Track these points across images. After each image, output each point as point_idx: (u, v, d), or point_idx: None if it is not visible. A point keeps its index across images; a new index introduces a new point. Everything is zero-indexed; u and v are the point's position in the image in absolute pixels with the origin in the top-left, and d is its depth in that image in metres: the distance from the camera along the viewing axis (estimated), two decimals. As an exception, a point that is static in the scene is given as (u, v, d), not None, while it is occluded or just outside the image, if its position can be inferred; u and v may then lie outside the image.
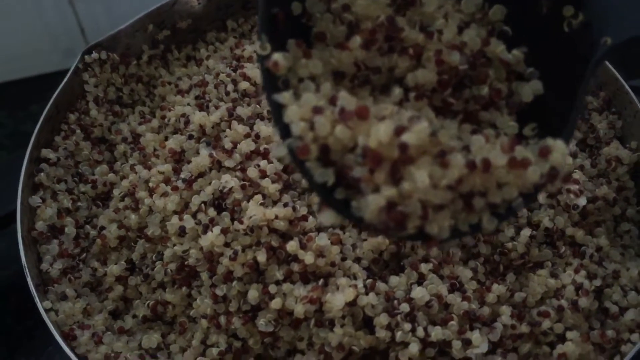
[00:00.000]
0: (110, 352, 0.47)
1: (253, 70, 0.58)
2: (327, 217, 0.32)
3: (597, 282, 0.48)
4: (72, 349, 0.47)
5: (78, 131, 0.59)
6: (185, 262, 0.49)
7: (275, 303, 0.45)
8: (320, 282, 0.45)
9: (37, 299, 0.48)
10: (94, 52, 0.61)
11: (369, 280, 0.46)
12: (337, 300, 0.44)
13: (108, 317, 0.50)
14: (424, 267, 0.47)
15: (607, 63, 0.58)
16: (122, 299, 0.52)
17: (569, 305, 0.47)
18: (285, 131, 0.32)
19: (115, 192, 0.55)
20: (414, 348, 0.43)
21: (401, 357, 0.43)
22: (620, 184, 0.54)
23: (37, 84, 0.90)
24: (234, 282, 0.47)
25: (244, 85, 0.57)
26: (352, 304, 0.45)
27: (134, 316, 0.51)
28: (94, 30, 0.87)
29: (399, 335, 0.43)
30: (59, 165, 0.57)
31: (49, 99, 0.58)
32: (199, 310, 0.48)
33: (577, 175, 0.52)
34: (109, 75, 0.62)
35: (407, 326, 0.43)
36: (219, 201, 0.50)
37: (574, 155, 0.54)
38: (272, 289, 0.46)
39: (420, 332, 0.43)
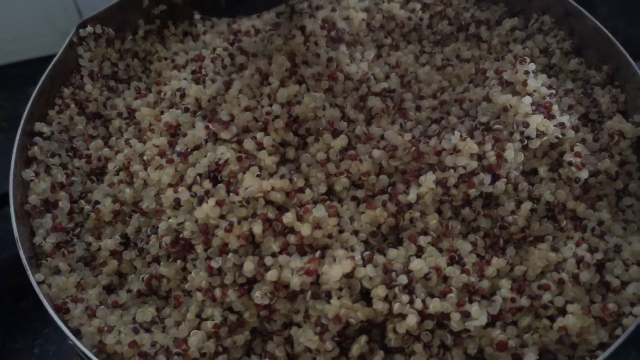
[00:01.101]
0: (103, 325, 0.46)
1: (250, 44, 0.57)
2: None
3: (599, 256, 0.48)
4: (65, 322, 0.46)
5: (72, 106, 0.58)
6: (180, 235, 0.48)
7: (271, 275, 0.44)
8: (317, 254, 0.45)
9: (29, 272, 0.47)
10: (88, 25, 0.60)
11: (366, 253, 0.45)
12: (334, 271, 0.43)
13: (102, 291, 0.50)
14: (423, 240, 0.47)
15: (611, 36, 0.57)
16: (117, 274, 0.51)
17: (570, 279, 0.46)
18: None
19: (110, 166, 0.55)
20: (412, 320, 0.42)
21: (398, 329, 0.43)
22: (623, 158, 0.53)
23: (35, 66, 0.90)
24: (230, 255, 0.46)
25: (240, 59, 0.57)
26: (349, 275, 0.44)
27: (129, 291, 0.50)
28: (91, 12, 0.86)
29: (396, 306, 0.43)
30: (52, 139, 0.56)
31: (47, 79, 0.57)
32: (194, 284, 0.47)
33: (579, 148, 0.51)
34: (104, 50, 0.62)
35: (405, 298, 0.43)
36: (214, 173, 0.49)
37: (576, 129, 0.53)
38: (268, 260, 0.45)
39: (418, 304, 0.43)
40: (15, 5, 0.85)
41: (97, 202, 0.52)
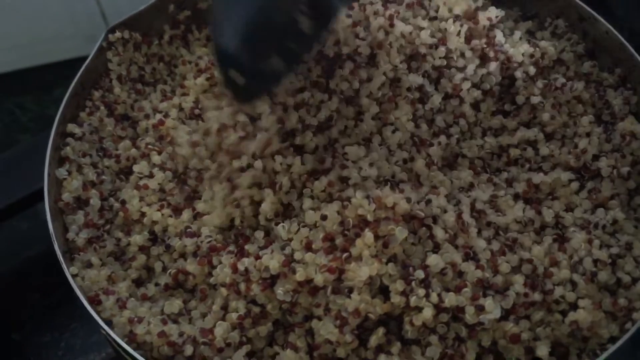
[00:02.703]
0: (134, 316, 0.49)
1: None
2: None
3: (615, 250, 0.49)
4: (98, 313, 0.48)
5: (102, 108, 0.61)
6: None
7: (300, 275, 0.46)
8: (343, 255, 0.46)
9: (64, 265, 0.50)
10: (117, 31, 0.63)
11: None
12: (362, 272, 0.45)
13: (131, 284, 0.52)
14: (440, 237, 0.48)
15: (624, 41, 0.58)
16: (145, 268, 0.54)
17: (586, 277, 0.47)
18: None
19: (135, 168, 0.57)
20: (428, 313, 0.44)
21: (415, 322, 0.45)
22: (635, 158, 0.54)
23: (60, 69, 0.92)
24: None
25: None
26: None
27: (157, 284, 0.52)
28: (115, 16, 0.88)
29: (413, 300, 0.44)
30: (84, 140, 0.59)
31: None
32: (218, 279, 0.49)
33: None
34: (132, 55, 0.64)
35: (422, 292, 0.45)
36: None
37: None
38: (298, 255, 0.47)
39: (434, 297, 0.45)
40: (41, 9, 0.87)
41: (124, 202, 0.55)
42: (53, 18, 0.88)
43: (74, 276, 0.50)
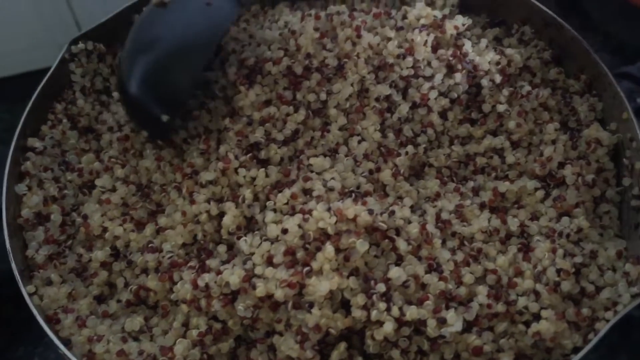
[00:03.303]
0: (93, 334, 0.48)
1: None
2: None
3: (579, 260, 0.49)
4: (56, 333, 0.48)
5: (65, 120, 0.60)
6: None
7: (260, 291, 0.45)
8: (304, 269, 0.46)
9: (20, 284, 0.49)
10: (80, 42, 0.62)
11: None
12: (322, 286, 0.45)
13: (93, 301, 0.51)
14: (403, 249, 0.48)
15: (588, 47, 0.58)
16: (107, 284, 0.53)
17: (549, 287, 0.47)
18: None
19: (98, 182, 0.56)
20: (389, 327, 0.44)
21: (376, 336, 0.44)
22: (600, 165, 0.54)
23: (35, 79, 0.91)
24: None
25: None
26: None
27: (118, 301, 0.51)
28: (89, 24, 0.88)
29: (374, 314, 0.44)
30: (45, 154, 0.58)
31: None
32: (179, 295, 0.48)
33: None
34: (96, 66, 0.63)
35: (382, 305, 0.44)
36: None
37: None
38: (259, 270, 0.46)
39: (395, 311, 0.44)
40: (13, 19, 0.86)
41: (86, 217, 0.54)
42: (26, 28, 0.87)
43: (31, 295, 0.49)
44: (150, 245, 0.52)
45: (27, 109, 0.58)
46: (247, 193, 0.51)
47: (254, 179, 0.53)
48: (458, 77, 0.57)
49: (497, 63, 0.59)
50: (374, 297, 0.44)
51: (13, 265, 0.50)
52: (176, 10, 0.54)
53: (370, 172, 0.54)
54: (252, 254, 0.48)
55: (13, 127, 0.68)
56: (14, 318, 0.70)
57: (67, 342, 0.48)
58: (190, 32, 0.54)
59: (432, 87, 0.57)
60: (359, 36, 0.58)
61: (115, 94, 0.61)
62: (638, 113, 0.63)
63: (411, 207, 0.52)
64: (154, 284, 0.49)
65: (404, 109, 0.56)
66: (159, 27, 0.55)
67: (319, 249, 0.46)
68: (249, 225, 0.52)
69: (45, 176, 0.56)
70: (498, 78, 0.58)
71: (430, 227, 0.49)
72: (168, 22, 0.54)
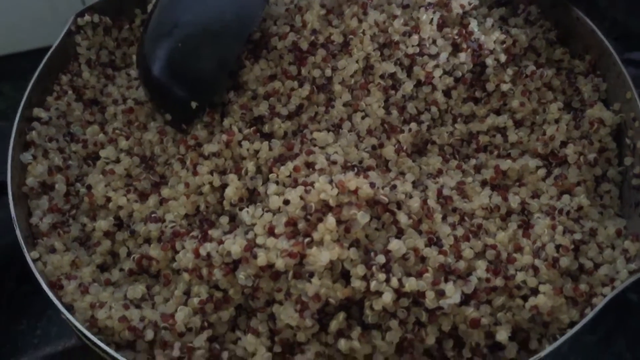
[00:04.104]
0: (95, 301, 0.48)
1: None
2: None
3: (578, 236, 0.49)
4: (59, 298, 0.48)
5: (70, 92, 0.60)
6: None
7: (261, 260, 0.46)
8: (305, 239, 0.46)
9: (25, 250, 0.49)
10: (86, 14, 0.62)
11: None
12: (322, 256, 0.45)
13: (96, 269, 0.52)
14: (404, 223, 0.48)
15: (594, 27, 0.58)
16: (110, 253, 0.53)
17: (547, 263, 0.47)
18: None
19: (102, 153, 0.56)
20: (387, 297, 0.44)
21: (375, 306, 0.44)
22: (603, 145, 0.54)
23: (39, 56, 0.91)
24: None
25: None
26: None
27: (121, 269, 0.52)
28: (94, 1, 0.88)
29: (373, 284, 0.44)
30: (50, 124, 0.58)
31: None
32: (181, 264, 0.49)
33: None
34: (102, 39, 0.63)
35: (382, 276, 0.44)
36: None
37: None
38: (260, 240, 0.47)
39: (394, 282, 0.44)
40: (17, -4, 0.86)
41: (90, 187, 0.54)
42: (31, 4, 0.87)
43: (34, 260, 0.50)
44: (153, 215, 0.52)
45: (33, 80, 0.58)
46: (250, 165, 0.52)
47: (257, 151, 0.53)
48: (463, 56, 0.57)
49: (502, 42, 0.59)
50: (374, 268, 0.45)
51: (18, 232, 0.50)
52: None
53: (373, 147, 0.54)
54: (254, 224, 0.48)
55: (17, 103, 0.69)
56: (16, 292, 0.70)
57: (69, 308, 0.48)
58: (223, 18, 0.53)
59: (437, 66, 0.57)
60: (365, 13, 0.58)
61: (134, 72, 0.62)
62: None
63: (413, 182, 0.52)
64: (157, 252, 0.50)
65: (408, 86, 0.57)
66: (187, 10, 0.53)
67: (320, 220, 0.46)
68: (252, 197, 0.52)
69: (50, 146, 0.57)
70: (503, 57, 0.58)
71: (432, 202, 0.50)
72: (196, 6, 0.53)
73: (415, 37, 0.57)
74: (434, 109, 0.57)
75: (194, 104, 0.53)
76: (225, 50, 0.53)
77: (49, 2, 0.87)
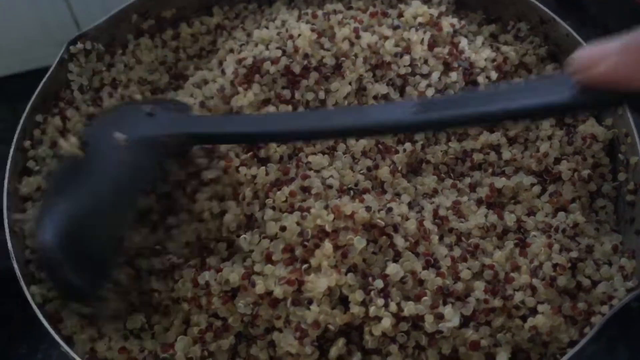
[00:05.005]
0: (95, 333, 0.48)
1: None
2: None
3: (574, 254, 0.49)
4: (58, 331, 0.48)
5: (57, 129, 0.60)
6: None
7: (259, 288, 0.46)
8: (303, 266, 0.46)
9: (22, 284, 0.49)
10: (78, 42, 0.62)
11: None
12: (320, 283, 0.45)
13: None
14: (401, 246, 0.48)
15: (583, 42, 0.59)
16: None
17: (545, 282, 0.48)
18: None
19: None
20: (387, 322, 0.44)
21: (374, 332, 0.44)
22: (596, 161, 0.55)
23: (34, 77, 0.91)
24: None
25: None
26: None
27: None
28: (88, 21, 0.87)
29: (372, 310, 0.44)
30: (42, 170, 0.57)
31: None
32: (180, 293, 0.49)
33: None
34: (94, 65, 0.64)
35: (380, 301, 0.45)
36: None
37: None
38: (258, 268, 0.47)
39: (393, 307, 0.44)
40: (10, 18, 0.86)
41: None
42: (24, 26, 0.87)
43: (33, 295, 0.50)
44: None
45: (26, 110, 0.58)
46: (247, 191, 0.52)
47: (254, 177, 0.53)
48: (454, 75, 0.57)
49: (493, 60, 0.59)
50: (372, 293, 0.45)
51: (15, 264, 0.50)
52: (91, 169, 0.48)
53: (369, 169, 0.54)
54: (252, 251, 0.48)
55: (13, 126, 0.69)
56: (17, 315, 0.70)
57: (69, 341, 0.48)
58: (106, 198, 0.47)
59: (429, 85, 0.57)
60: (357, 37, 0.58)
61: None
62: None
63: (409, 203, 0.52)
64: (158, 284, 0.50)
65: (401, 106, 0.57)
66: (76, 185, 0.48)
67: (317, 246, 0.47)
68: (249, 223, 0.52)
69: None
70: (494, 75, 0.58)
71: (428, 224, 0.50)
72: (83, 183, 0.48)
73: (406, 57, 0.58)
74: (427, 127, 0.57)
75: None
76: (114, 222, 0.47)
77: (42, 23, 0.87)
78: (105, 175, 0.48)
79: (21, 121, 0.58)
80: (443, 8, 0.63)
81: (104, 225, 0.47)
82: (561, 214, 0.52)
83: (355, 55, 0.57)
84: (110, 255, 0.47)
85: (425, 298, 0.45)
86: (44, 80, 0.60)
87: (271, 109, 0.56)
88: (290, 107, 0.56)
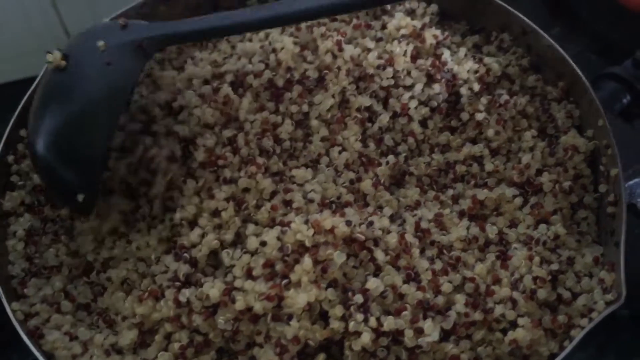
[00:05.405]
0: (77, 349, 0.48)
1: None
2: None
3: (555, 267, 0.49)
4: (39, 347, 0.48)
5: None
6: None
7: (239, 305, 0.46)
8: (283, 281, 0.46)
9: (4, 300, 0.49)
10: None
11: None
12: (300, 298, 0.45)
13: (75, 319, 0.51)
14: (381, 260, 0.48)
15: (565, 55, 0.59)
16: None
17: (525, 295, 0.48)
18: None
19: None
20: (366, 338, 0.44)
21: (354, 347, 0.45)
22: (577, 172, 0.55)
23: (23, 87, 0.91)
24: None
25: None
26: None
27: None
28: (77, 28, 0.87)
29: (351, 325, 0.44)
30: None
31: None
32: (162, 314, 0.48)
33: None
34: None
35: (360, 316, 0.45)
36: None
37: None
38: (238, 283, 0.47)
39: (372, 322, 0.45)
40: (1, 28, 0.86)
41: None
42: (12, 35, 0.87)
43: (14, 311, 0.50)
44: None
45: (10, 123, 0.58)
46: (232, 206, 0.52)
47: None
48: (437, 87, 0.58)
49: (476, 72, 0.60)
50: (352, 308, 0.45)
51: (-4, 282, 0.50)
52: (75, 73, 0.51)
53: (351, 182, 0.54)
54: (233, 266, 0.49)
55: (2, 135, 0.69)
56: (7, 325, 0.70)
57: (50, 357, 0.48)
58: (93, 99, 0.50)
59: (412, 97, 0.58)
60: (340, 49, 0.58)
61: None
62: (624, 114, 0.63)
63: (391, 216, 0.52)
64: (141, 309, 0.49)
65: (384, 118, 0.57)
66: (63, 91, 0.50)
67: (297, 261, 0.47)
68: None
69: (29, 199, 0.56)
70: (477, 86, 0.59)
71: (409, 237, 0.50)
72: (69, 87, 0.50)
73: (389, 69, 0.58)
74: (410, 139, 0.57)
75: (80, 197, 0.50)
76: (98, 129, 0.50)
77: (30, 31, 0.87)
78: (90, 79, 0.50)
79: (5, 135, 0.57)
80: (427, 19, 0.63)
81: (94, 123, 0.50)
82: (542, 226, 0.52)
83: (338, 68, 0.58)
84: (103, 151, 0.51)
85: (405, 312, 0.45)
86: (29, 92, 0.60)
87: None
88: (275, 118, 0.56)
